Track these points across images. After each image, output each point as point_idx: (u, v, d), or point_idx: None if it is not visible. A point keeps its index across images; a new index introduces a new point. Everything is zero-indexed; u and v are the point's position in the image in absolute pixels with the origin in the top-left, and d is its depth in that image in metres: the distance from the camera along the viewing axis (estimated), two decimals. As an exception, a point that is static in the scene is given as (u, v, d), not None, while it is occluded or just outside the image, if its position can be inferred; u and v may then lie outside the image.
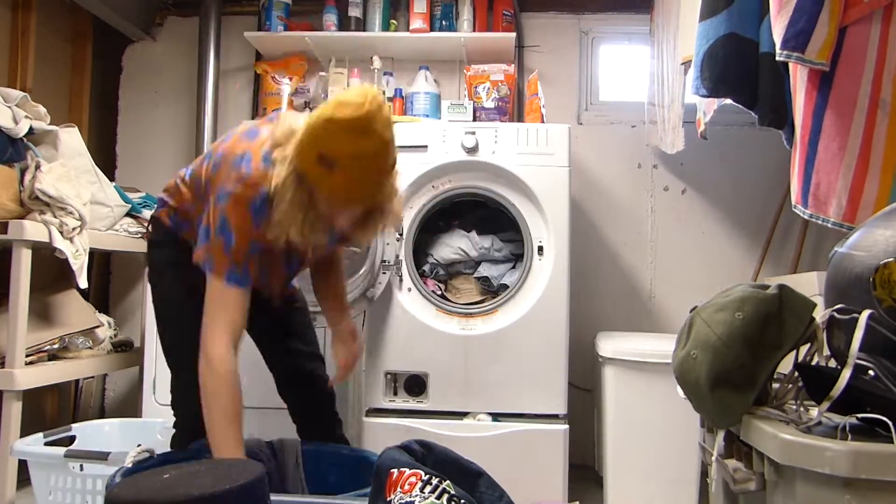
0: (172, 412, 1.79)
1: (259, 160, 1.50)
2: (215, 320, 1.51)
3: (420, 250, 2.53)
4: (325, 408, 1.92)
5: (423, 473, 1.12)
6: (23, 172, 2.21)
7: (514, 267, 2.53)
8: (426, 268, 2.52)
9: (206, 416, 1.48)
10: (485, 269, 2.52)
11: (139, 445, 1.59)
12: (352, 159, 1.40)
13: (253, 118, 3.17)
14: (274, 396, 1.90)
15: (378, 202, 1.53)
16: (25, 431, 2.13)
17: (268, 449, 1.73)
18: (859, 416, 1.04)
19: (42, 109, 2.32)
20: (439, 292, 2.47)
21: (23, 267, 2.15)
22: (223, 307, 1.51)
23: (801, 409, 1.14)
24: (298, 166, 1.44)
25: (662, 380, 2.20)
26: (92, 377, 2.97)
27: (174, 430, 1.79)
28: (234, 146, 1.57)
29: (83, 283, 2.32)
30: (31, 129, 2.26)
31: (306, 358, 1.91)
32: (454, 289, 2.52)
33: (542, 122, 2.64)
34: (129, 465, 1.50)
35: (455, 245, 2.52)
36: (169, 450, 1.71)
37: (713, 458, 1.21)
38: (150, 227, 1.84)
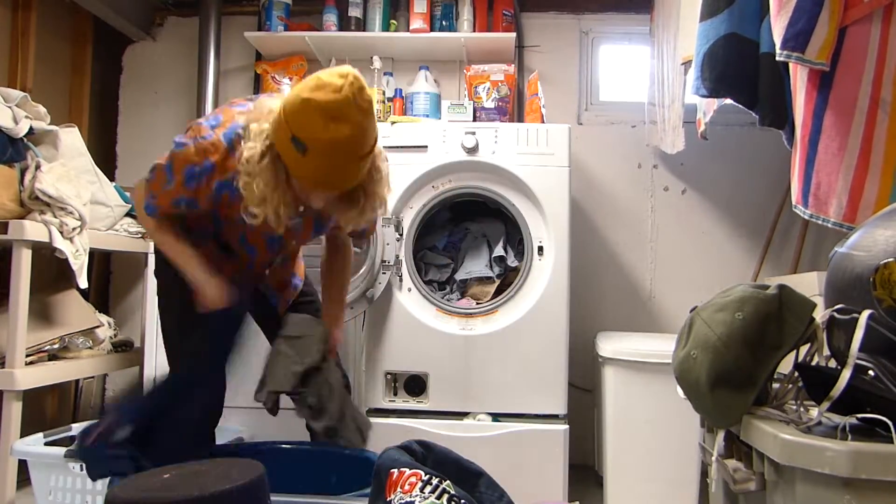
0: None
1: (223, 130, 1.49)
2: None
3: (419, 251, 2.54)
4: None
5: (423, 473, 1.12)
6: (23, 172, 2.21)
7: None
8: (453, 288, 2.54)
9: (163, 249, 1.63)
10: (470, 264, 2.54)
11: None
12: (324, 145, 1.35)
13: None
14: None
15: (357, 186, 1.50)
16: (25, 431, 2.13)
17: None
18: (859, 416, 1.04)
19: (42, 109, 2.32)
20: (475, 304, 2.44)
21: (23, 267, 2.16)
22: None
23: (801, 409, 1.14)
24: (275, 144, 1.42)
25: (662, 380, 2.19)
26: (92, 377, 2.97)
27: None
28: (224, 108, 1.59)
29: (83, 283, 2.32)
30: (31, 129, 2.26)
31: None
32: (476, 295, 2.49)
33: (543, 122, 2.64)
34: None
35: (481, 265, 2.53)
36: None
37: (713, 458, 1.21)
38: None
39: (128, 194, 2.73)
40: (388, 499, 1.12)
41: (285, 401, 1.91)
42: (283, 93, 1.59)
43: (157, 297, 1.82)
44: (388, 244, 2.37)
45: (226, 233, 1.69)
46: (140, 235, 2.77)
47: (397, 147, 2.36)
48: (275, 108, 1.43)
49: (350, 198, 1.52)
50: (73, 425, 2.20)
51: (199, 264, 1.61)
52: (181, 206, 1.56)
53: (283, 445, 1.78)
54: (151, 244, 2.63)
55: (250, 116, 1.48)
